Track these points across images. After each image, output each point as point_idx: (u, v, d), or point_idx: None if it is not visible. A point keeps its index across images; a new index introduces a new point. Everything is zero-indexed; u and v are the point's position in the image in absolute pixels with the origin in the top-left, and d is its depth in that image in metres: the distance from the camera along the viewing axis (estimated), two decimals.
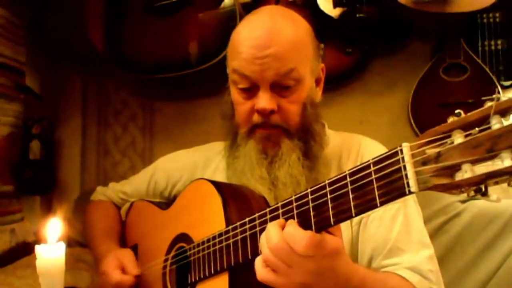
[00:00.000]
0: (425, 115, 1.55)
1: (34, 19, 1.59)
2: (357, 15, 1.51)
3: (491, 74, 1.49)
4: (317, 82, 1.01)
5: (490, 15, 1.53)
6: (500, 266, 1.19)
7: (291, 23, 0.94)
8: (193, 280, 0.89)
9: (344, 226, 0.85)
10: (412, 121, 1.57)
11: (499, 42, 1.52)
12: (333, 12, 1.53)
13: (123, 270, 0.97)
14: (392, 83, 1.65)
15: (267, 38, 0.89)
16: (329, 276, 0.68)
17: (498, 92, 0.48)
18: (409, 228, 0.90)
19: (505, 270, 1.18)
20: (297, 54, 0.91)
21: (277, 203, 0.72)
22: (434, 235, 1.22)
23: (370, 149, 1.01)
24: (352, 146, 1.01)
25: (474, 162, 0.50)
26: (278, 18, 0.94)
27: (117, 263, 0.97)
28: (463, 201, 1.27)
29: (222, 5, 1.45)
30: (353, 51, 1.58)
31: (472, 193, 0.51)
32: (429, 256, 0.88)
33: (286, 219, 0.70)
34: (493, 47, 1.53)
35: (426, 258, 0.87)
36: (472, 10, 1.41)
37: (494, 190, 0.51)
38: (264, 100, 0.90)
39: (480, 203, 1.25)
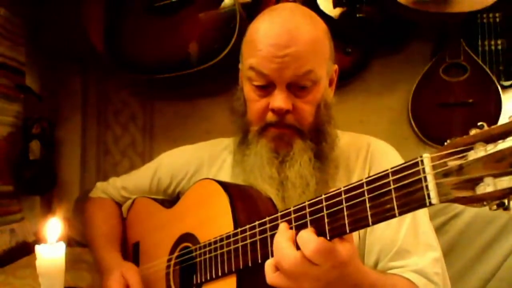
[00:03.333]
0: (425, 115, 1.55)
1: (34, 19, 1.59)
2: (357, 15, 1.51)
3: (491, 74, 1.49)
4: (330, 82, 1.00)
5: (490, 15, 1.53)
6: (500, 266, 1.19)
7: (311, 23, 0.92)
8: (199, 281, 0.88)
9: None
10: (412, 121, 1.57)
11: (499, 42, 1.52)
12: (333, 12, 1.53)
13: None
14: (392, 83, 1.65)
15: (287, 37, 0.88)
16: (338, 284, 0.69)
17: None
18: (416, 230, 0.89)
19: (505, 270, 1.18)
20: (316, 55, 0.91)
21: (289, 208, 0.72)
22: None
23: (379, 150, 1.00)
24: (360, 146, 1.01)
25: (497, 176, 0.49)
26: (298, 16, 0.92)
27: (122, 281, 0.97)
28: None
29: (222, 5, 1.45)
30: (353, 51, 1.58)
31: (495, 207, 0.51)
32: (435, 258, 0.87)
33: (298, 226, 0.70)
34: (493, 47, 1.53)
35: (432, 261, 0.86)
36: (472, 10, 1.41)
37: None
38: (280, 100, 0.89)
39: None
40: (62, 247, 0.75)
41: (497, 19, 1.52)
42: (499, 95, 1.46)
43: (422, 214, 0.93)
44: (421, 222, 0.92)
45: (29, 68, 1.57)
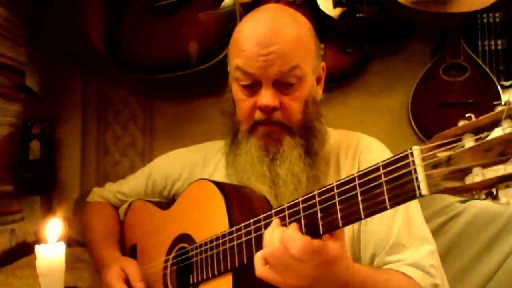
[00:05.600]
0: (425, 115, 1.55)
1: (34, 19, 1.59)
2: (357, 15, 1.50)
3: (491, 74, 1.49)
4: (318, 80, 1.01)
5: (490, 15, 1.53)
6: (500, 266, 1.19)
7: (294, 21, 0.94)
8: (195, 280, 0.88)
9: None
10: (412, 121, 1.57)
11: (499, 42, 1.52)
12: (333, 12, 1.53)
13: (128, 282, 0.96)
14: (392, 83, 1.65)
15: (271, 36, 0.89)
16: (326, 280, 0.70)
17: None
18: (410, 224, 0.90)
19: (505, 270, 1.18)
20: (300, 51, 0.92)
21: (283, 205, 0.73)
22: (434, 235, 1.21)
23: (369, 145, 1.01)
24: (350, 143, 1.02)
25: (485, 166, 0.50)
26: (280, 16, 0.94)
27: (122, 274, 0.97)
28: (463, 201, 1.27)
29: (222, 5, 1.45)
30: (353, 51, 1.58)
31: (483, 196, 0.51)
32: (430, 251, 0.88)
33: (292, 222, 0.70)
34: (493, 47, 1.53)
35: (428, 253, 0.87)
36: (472, 10, 1.41)
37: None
38: (266, 97, 0.90)
39: (480, 203, 1.24)
40: (62, 247, 0.75)
41: (497, 19, 1.52)
42: (499, 95, 1.46)
43: (414, 207, 0.94)
44: (414, 215, 0.92)
45: (29, 68, 1.57)
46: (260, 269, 0.71)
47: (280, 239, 0.67)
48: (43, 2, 1.60)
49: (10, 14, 1.47)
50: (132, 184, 1.23)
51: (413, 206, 0.94)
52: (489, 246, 1.21)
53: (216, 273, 0.83)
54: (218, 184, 0.88)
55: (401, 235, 0.89)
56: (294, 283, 0.69)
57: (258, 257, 0.72)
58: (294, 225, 0.69)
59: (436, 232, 1.24)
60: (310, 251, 0.66)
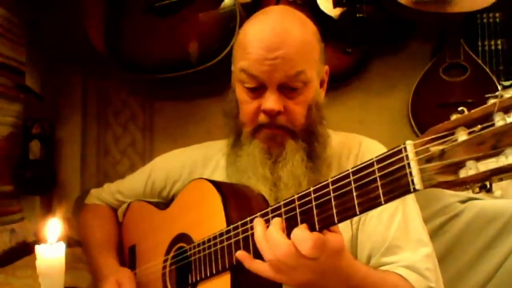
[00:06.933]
0: (425, 115, 1.55)
1: (34, 19, 1.59)
2: (357, 15, 1.51)
3: (491, 74, 1.49)
4: (321, 83, 1.01)
5: (490, 15, 1.53)
6: (500, 266, 1.19)
7: (300, 25, 0.93)
8: (194, 280, 0.89)
9: (344, 225, 0.85)
10: (412, 121, 1.57)
11: (499, 42, 1.52)
12: (333, 12, 1.53)
13: None
14: (392, 83, 1.65)
15: (277, 40, 0.89)
16: (330, 274, 0.70)
17: (503, 88, 0.49)
18: (407, 226, 0.90)
19: (505, 270, 1.18)
20: (306, 56, 0.91)
21: (279, 202, 0.73)
22: (434, 235, 1.22)
23: (371, 148, 1.01)
24: (352, 146, 1.01)
25: (478, 159, 0.50)
26: (287, 19, 0.93)
27: (117, 287, 0.97)
28: (463, 201, 1.27)
29: (222, 5, 1.45)
30: (353, 51, 1.58)
31: (477, 189, 0.51)
32: (427, 254, 0.88)
33: (289, 218, 0.71)
34: (493, 47, 1.53)
35: (424, 257, 0.87)
36: (472, 10, 1.41)
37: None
38: (271, 101, 0.90)
39: (480, 203, 1.24)
40: (62, 247, 0.75)
41: (497, 19, 1.53)
42: None
43: (412, 210, 0.94)
44: (412, 218, 0.92)
45: (29, 68, 1.57)
46: (265, 271, 0.71)
47: (288, 243, 0.67)
48: (43, 2, 1.60)
49: (10, 14, 1.47)
50: (131, 184, 1.22)
51: (411, 208, 0.94)
52: (489, 246, 1.21)
53: (214, 271, 0.83)
54: (214, 183, 0.88)
55: (398, 237, 0.89)
56: (301, 280, 0.69)
57: (260, 265, 0.72)
58: (302, 225, 0.68)
59: (436, 232, 1.24)
60: (319, 247, 0.65)
